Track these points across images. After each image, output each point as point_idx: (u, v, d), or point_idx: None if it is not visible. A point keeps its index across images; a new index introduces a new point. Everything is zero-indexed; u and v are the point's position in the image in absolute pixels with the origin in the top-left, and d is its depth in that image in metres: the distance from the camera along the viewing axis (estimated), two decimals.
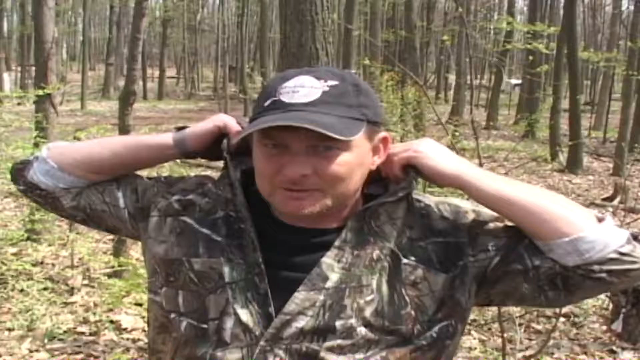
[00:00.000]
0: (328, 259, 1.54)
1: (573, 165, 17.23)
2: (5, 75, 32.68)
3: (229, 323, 1.53)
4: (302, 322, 1.49)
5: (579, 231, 1.49)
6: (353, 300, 1.51)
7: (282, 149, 1.50)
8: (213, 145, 1.74)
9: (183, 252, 1.62)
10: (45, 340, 5.75)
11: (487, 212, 1.63)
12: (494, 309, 5.28)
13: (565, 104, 19.85)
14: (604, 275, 1.50)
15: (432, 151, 1.61)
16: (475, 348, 5.80)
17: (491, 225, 1.63)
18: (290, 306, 1.50)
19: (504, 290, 1.62)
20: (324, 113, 1.47)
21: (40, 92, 8.07)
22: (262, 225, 1.60)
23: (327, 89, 1.51)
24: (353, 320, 1.50)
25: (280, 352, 1.48)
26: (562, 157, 18.17)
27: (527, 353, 5.53)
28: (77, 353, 5.54)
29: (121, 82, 37.86)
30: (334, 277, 1.52)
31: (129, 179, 1.82)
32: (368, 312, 1.51)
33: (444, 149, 1.63)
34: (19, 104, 24.33)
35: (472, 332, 6.14)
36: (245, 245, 1.58)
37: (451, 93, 34.11)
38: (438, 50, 39.34)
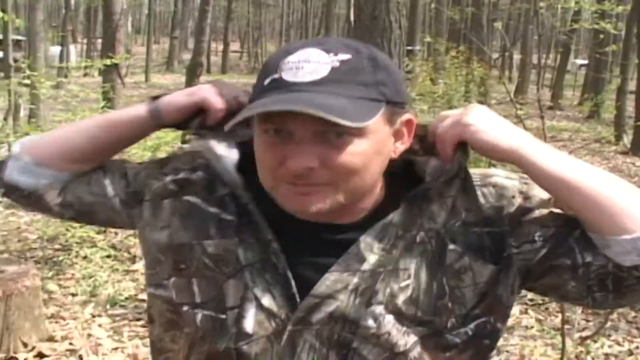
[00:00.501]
0: (368, 238, 1.36)
1: (637, 148, 16.76)
2: (72, 48, 33.09)
3: (250, 310, 1.35)
4: (331, 307, 1.32)
5: None
6: (387, 285, 1.34)
7: (285, 136, 1.29)
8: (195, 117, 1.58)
9: (192, 236, 1.43)
10: (107, 306, 5.89)
11: (536, 196, 1.43)
12: None
13: (632, 85, 19.43)
14: None
15: (483, 122, 1.38)
16: (532, 327, 5.77)
17: (537, 212, 1.42)
18: (321, 288, 1.33)
19: (548, 284, 1.42)
20: (332, 94, 1.25)
21: (108, 62, 8.18)
22: (269, 211, 1.40)
23: (337, 64, 1.28)
24: (382, 307, 1.33)
25: (311, 337, 1.33)
26: (627, 139, 17.75)
27: (584, 334, 5.49)
28: (138, 319, 5.65)
29: (185, 56, 38.09)
30: (371, 259, 1.35)
31: (117, 164, 1.66)
32: (401, 300, 1.34)
33: (496, 118, 1.41)
34: (85, 74, 24.82)
35: (530, 311, 6.12)
36: (257, 222, 1.39)
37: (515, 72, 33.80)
38: (504, 28, 38.90)
